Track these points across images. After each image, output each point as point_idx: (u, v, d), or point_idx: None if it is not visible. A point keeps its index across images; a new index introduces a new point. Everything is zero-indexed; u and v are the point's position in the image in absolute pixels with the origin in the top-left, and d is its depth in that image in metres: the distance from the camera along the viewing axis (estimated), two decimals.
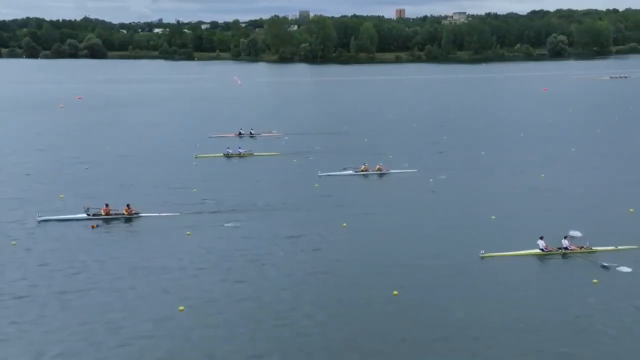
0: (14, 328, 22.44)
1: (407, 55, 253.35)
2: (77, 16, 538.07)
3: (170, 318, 23.01)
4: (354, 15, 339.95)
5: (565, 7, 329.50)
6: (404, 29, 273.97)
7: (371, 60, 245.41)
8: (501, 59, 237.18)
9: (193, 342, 21.39)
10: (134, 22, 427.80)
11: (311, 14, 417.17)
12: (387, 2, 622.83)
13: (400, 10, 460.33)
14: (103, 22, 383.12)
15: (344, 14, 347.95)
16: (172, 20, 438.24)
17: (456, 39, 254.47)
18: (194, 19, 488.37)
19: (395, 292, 24.82)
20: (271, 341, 21.50)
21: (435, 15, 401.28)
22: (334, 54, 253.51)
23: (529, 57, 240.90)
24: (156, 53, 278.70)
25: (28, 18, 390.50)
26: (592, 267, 27.74)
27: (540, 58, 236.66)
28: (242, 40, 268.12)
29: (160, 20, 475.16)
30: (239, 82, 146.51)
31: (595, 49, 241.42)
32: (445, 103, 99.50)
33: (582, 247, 29.69)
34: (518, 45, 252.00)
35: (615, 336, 21.66)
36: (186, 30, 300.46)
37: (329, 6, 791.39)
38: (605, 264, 27.57)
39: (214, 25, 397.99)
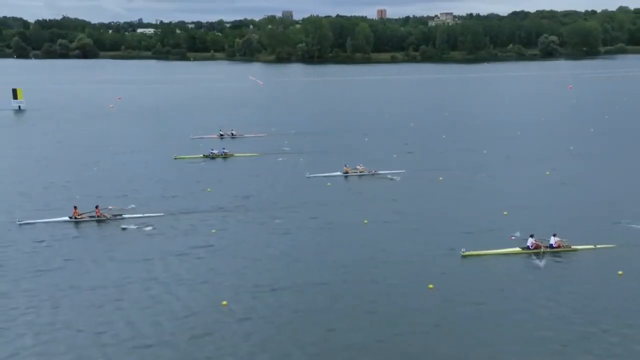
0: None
1: (402, 56, 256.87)
2: (48, 15, 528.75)
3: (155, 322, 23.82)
4: (338, 16, 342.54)
5: (542, 8, 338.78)
6: (398, 30, 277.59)
7: (367, 61, 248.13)
8: (494, 59, 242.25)
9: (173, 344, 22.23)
10: (113, 22, 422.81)
11: (294, 14, 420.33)
12: (367, 2, 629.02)
13: (381, 11, 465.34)
14: (83, 21, 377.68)
15: (327, 15, 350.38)
16: (152, 20, 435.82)
17: (449, 39, 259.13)
18: (169, 18, 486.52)
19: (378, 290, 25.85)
20: (259, 340, 22.22)
21: (418, 16, 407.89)
22: (330, 54, 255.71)
23: (521, 57, 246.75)
24: (149, 53, 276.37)
25: (5, 17, 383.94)
26: (570, 265, 28.70)
27: (532, 58, 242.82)
28: (237, 40, 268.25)
29: (140, 20, 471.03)
30: (261, 83, 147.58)
31: (584, 49, 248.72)
32: (465, 104, 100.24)
33: (561, 245, 30.27)
34: (510, 45, 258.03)
35: (595, 332, 22.46)
36: (177, 31, 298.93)
37: (309, 6, 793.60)
38: (574, 265, 28.47)
39: (198, 25, 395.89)
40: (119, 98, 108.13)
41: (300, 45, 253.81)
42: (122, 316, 24.17)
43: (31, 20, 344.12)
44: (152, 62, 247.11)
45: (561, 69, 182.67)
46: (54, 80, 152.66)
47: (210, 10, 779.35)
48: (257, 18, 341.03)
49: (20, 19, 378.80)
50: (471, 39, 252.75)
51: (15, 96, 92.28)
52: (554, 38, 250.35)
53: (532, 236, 30.54)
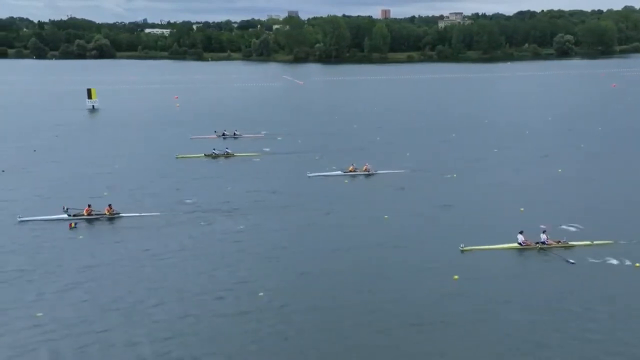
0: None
1: (418, 55, 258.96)
2: (49, 15, 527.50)
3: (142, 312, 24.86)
4: (344, 15, 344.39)
5: (545, 8, 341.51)
6: (414, 29, 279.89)
7: (384, 60, 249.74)
8: (510, 58, 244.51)
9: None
10: (118, 22, 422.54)
11: (300, 15, 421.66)
12: (370, 2, 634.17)
13: (385, 11, 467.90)
14: (90, 22, 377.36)
15: (333, 15, 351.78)
16: (156, 21, 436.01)
17: (465, 39, 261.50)
18: (169, 18, 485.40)
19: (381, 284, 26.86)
20: (259, 337, 22.93)
21: (423, 16, 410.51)
22: (347, 54, 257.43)
23: (536, 56, 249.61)
24: (165, 53, 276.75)
25: (12, 18, 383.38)
26: (567, 261, 29.12)
27: (547, 57, 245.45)
28: (253, 40, 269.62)
29: (145, 20, 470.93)
30: (300, 82, 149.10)
31: (600, 48, 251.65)
32: (521, 103, 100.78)
33: (559, 241, 30.85)
34: (526, 45, 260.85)
35: (589, 326, 23.16)
36: (191, 31, 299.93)
37: (311, 7, 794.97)
38: (572, 261, 28.89)
39: (206, 25, 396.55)
40: (176, 97, 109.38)
41: (318, 45, 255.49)
42: (123, 315, 24.88)
43: (34, 20, 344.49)
44: (170, 62, 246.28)
45: (588, 68, 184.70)
46: (107, 80, 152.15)
47: (209, 10, 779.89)
48: (259, 18, 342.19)
49: (27, 19, 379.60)
50: (487, 39, 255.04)
51: (89, 96, 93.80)
52: (569, 37, 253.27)
53: (521, 233, 31.20)
